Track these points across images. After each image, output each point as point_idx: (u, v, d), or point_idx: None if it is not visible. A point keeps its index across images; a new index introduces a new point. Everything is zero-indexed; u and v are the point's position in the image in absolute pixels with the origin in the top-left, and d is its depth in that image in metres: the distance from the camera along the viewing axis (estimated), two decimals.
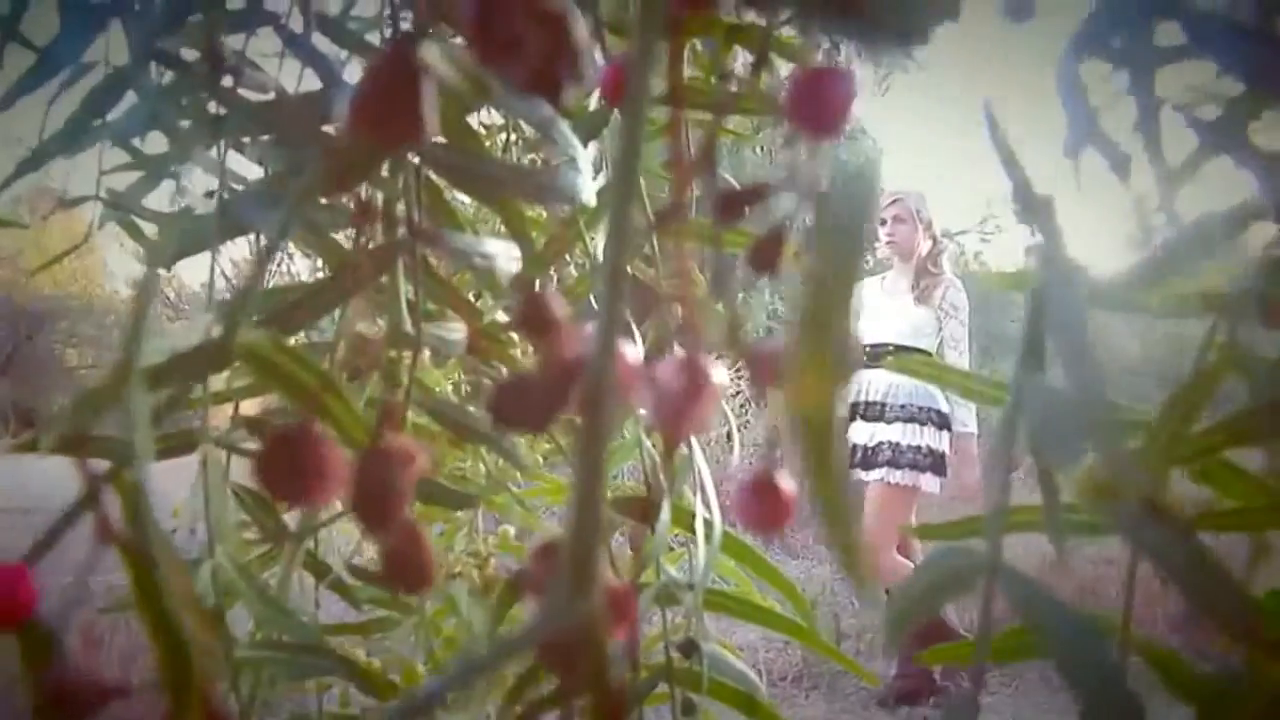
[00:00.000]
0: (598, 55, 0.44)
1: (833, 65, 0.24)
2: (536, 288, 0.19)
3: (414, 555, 0.19)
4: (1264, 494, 0.25)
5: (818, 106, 0.23)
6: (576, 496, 0.14)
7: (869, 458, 2.70)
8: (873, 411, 2.73)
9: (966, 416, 2.71)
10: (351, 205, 0.44)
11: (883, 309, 2.76)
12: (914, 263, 2.76)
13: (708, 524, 0.47)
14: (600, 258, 0.43)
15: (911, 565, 2.58)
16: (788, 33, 0.50)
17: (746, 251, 0.22)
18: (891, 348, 2.67)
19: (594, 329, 0.15)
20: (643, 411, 0.51)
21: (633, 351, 0.18)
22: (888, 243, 2.79)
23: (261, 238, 0.51)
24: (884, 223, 2.76)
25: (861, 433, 2.72)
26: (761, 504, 0.21)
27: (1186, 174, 0.27)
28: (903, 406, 2.69)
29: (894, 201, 2.75)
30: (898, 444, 2.66)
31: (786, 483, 0.21)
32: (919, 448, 2.65)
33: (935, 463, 2.66)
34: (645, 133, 0.19)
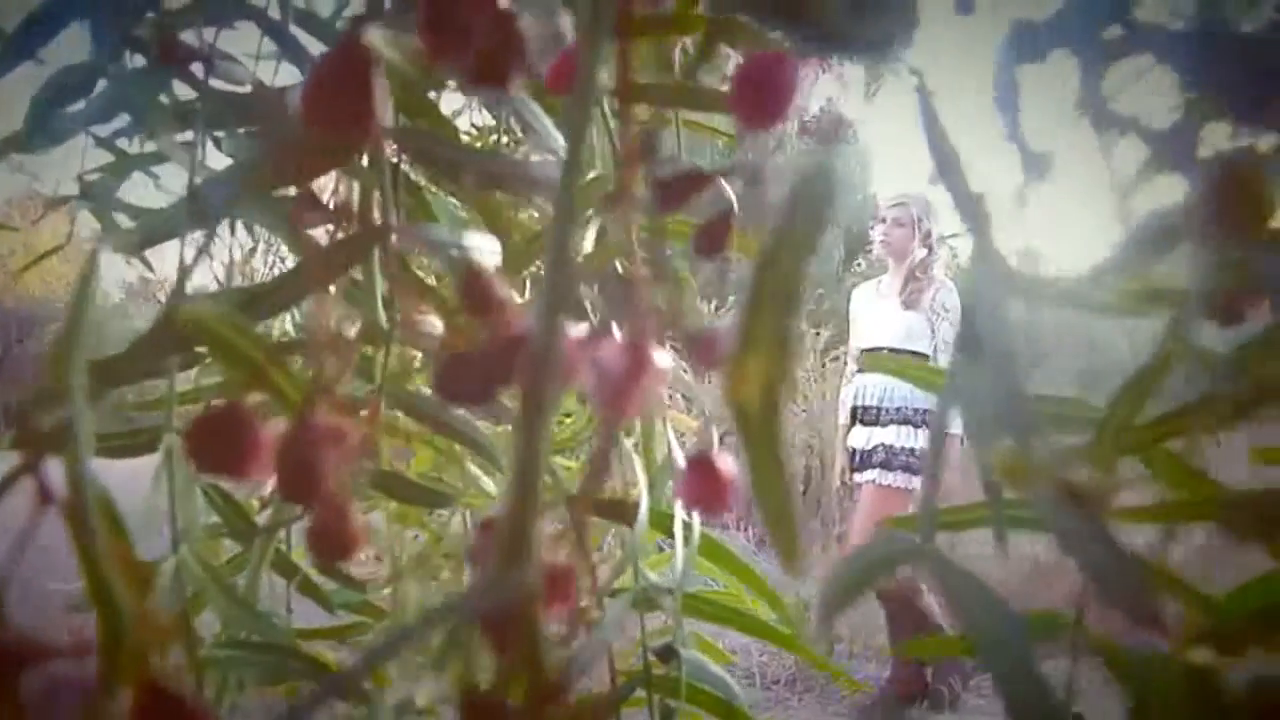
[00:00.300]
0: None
1: (778, 51, 0.24)
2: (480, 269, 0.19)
3: (338, 528, 0.19)
4: (1207, 486, 0.26)
5: (759, 93, 0.23)
6: (515, 469, 0.14)
7: (863, 460, 2.72)
8: (869, 415, 2.74)
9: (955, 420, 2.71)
10: (325, 198, 0.43)
11: (877, 313, 2.76)
12: (905, 267, 2.76)
13: (687, 527, 0.46)
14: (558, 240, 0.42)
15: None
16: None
17: (693, 236, 0.22)
18: (885, 351, 2.68)
19: (538, 303, 0.15)
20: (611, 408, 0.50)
21: (576, 329, 0.18)
22: (881, 243, 2.79)
23: (239, 233, 0.51)
24: (882, 221, 2.77)
25: (859, 436, 2.74)
26: (701, 485, 0.21)
27: (1140, 183, 0.27)
28: (897, 409, 2.70)
29: (897, 205, 2.75)
30: (890, 446, 2.67)
31: (726, 464, 0.21)
32: (911, 450, 2.65)
33: None
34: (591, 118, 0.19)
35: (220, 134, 0.49)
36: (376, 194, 0.40)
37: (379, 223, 0.33)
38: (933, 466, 0.23)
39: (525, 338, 0.17)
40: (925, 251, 2.77)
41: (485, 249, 0.37)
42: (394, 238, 0.31)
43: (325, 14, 0.50)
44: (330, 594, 0.50)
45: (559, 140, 0.39)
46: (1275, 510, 0.22)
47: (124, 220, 0.58)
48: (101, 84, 0.44)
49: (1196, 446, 0.26)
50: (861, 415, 2.76)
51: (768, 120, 0.22)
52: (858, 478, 2.73)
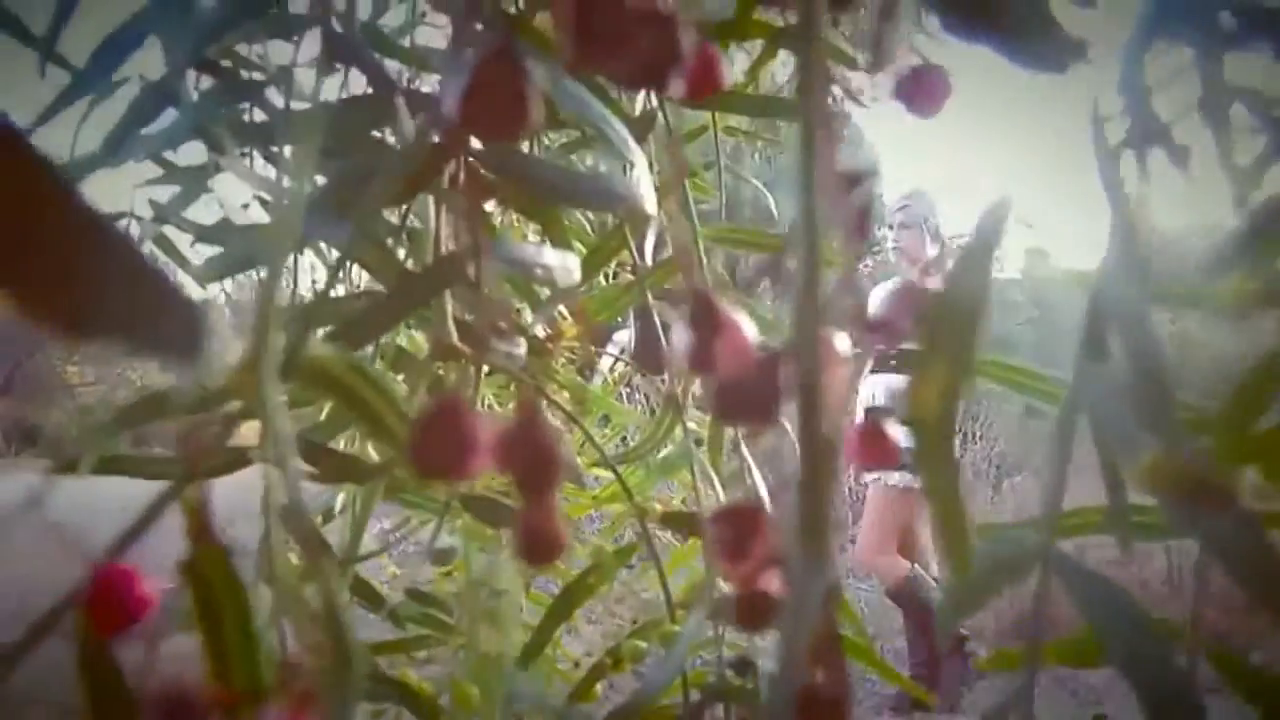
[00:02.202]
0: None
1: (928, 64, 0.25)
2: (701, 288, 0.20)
3: (552, 527, 0.20)
4: None
5: (925, 96, 0.27)
6: (806, 466, 0.16)
7: None
8: None
9: None
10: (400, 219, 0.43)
11: None
12: (920, 269, 2.76)
13: None
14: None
15: (908, 565, 2.59)
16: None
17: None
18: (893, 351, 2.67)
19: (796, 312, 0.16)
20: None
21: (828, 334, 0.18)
22: (894, 249, 2.80)
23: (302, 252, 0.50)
24: (890, 227, 2.78)
25: None
26: (874, 445, 0.23)
27: (1257, 174, 0.26)
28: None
29: (902, 207, 2.76)
30: None
31: (893, 429, 0.23)
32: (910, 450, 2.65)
33: None
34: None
35: (277, 150, 0.48)
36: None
37: (469, 243, 0.33)
38: (1057, 472, 0.23)
39: (779, 351, 0.18)
40: (938, 249, 2.76)
41: (567, 265, 0.37)
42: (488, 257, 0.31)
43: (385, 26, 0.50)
44: (400, 608, 0.49)
45: (635, 149, 0.39)
46: None
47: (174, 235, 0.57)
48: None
49: None
50: None
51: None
52: (866, 477, 2.75)
